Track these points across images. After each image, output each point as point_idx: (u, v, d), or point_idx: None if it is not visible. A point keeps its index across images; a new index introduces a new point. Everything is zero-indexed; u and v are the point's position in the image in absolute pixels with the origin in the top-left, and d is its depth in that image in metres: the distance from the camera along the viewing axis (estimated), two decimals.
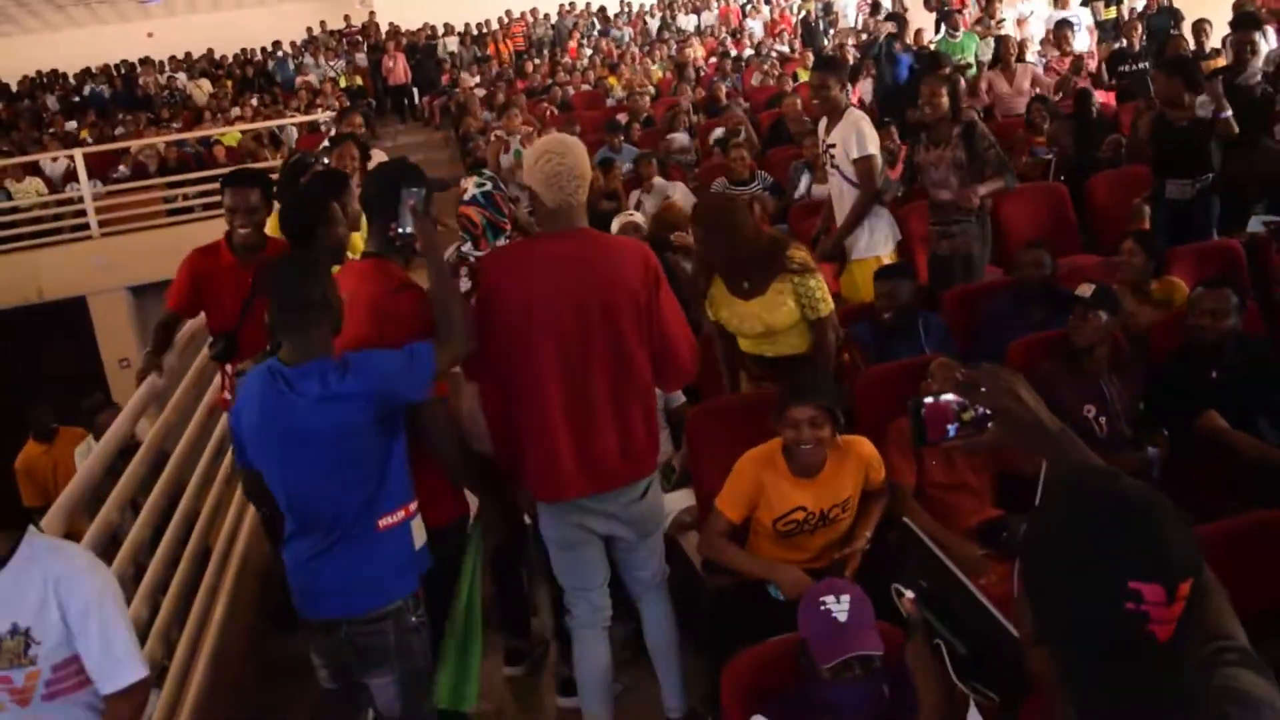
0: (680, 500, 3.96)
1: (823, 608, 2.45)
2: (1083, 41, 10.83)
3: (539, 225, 3.09)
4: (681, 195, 7.73)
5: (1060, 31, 10.23)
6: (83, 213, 11.36)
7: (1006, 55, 9.35)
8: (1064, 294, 4.06)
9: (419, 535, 2.76)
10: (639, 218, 5.83)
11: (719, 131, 9.46)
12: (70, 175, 12.21)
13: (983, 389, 1.59)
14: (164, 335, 4.30)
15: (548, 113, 11.02)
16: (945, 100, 5.16)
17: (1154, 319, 4.31)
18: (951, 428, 1.62)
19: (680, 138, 10.02)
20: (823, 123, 5.37)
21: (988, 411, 1.59)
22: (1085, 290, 3.76)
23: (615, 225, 5.49)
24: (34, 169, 12.52)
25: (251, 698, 4.00)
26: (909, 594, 1.67)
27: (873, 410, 3.82)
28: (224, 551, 4.45)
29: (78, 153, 11.61)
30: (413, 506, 2.74)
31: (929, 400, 1.64)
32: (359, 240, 3.86)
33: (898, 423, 3.63)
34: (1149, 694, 1.17)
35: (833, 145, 5.19)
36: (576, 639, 3.17)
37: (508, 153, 9.02)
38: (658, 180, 7.96)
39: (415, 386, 2.62)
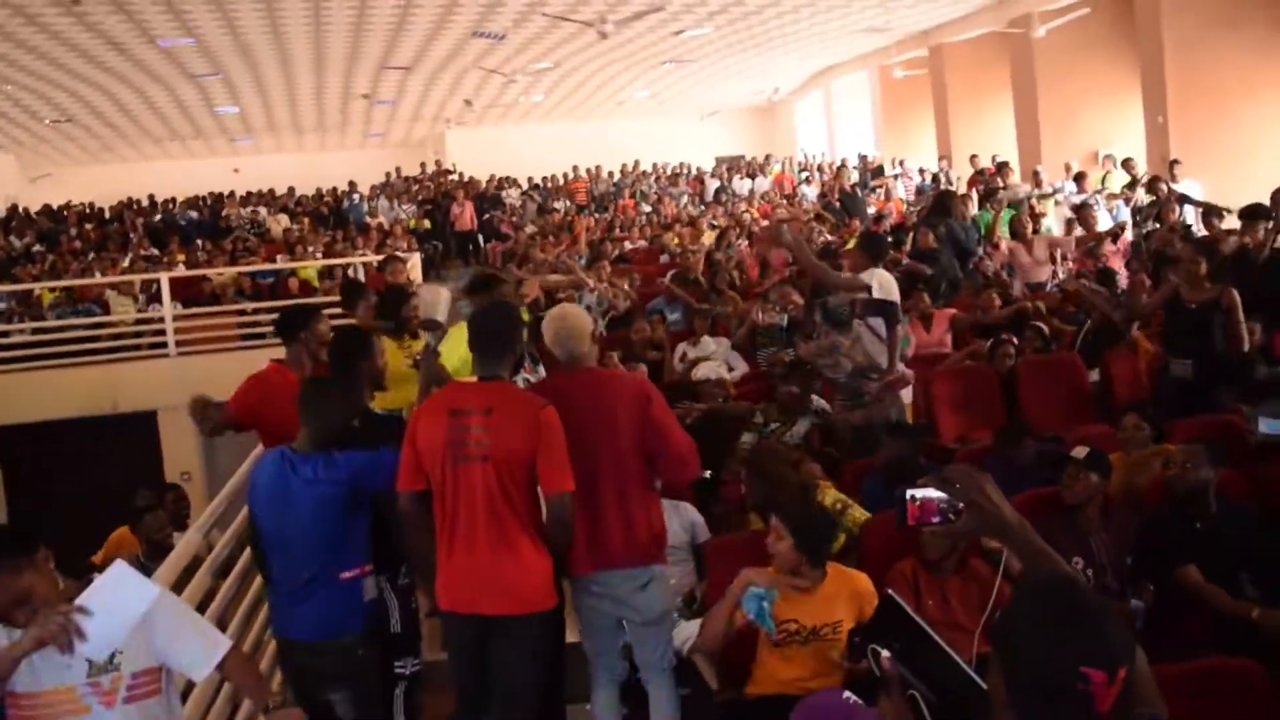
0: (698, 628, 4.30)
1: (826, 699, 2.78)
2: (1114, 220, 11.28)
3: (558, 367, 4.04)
4: (724, 351, 8.22)
5: (1082, 212, 10.72)
6: (162, 331, 12.06)
7: (1022, 227, 9.84)
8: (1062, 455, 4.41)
9: (370, 590, 3.63)
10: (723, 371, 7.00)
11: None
12: (153, 297, 12.99)
13: (957, 485, 1.96)
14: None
15: (605, 266, 11.65)
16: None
17: (1147, 485, 4.64)
18: (936, 519, 1.98)
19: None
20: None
21: (959, 505, 1.95)
22: (1079, 452, 4.14)
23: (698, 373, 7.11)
24: (128, 289, 13.35)
25: None
26: (885, 653, 1.95)
27: (877, 552, 4.19)
28: None
29: (164, 275, 12.40)
30: (368, 568, 3.60)
31: (917, 494, 2.00)
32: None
33: (898, 564, 3.98)
34: None
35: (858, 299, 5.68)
36: (593, 688, 3.87)
37: (591, 293, 9.58)
38: (705, 337, 8.43)
39: (380, 480, 3.53)
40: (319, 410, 3.58)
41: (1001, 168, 14.17)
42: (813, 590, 3.62)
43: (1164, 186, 11.25)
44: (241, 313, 12.90)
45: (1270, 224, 6.91)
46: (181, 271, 13.61)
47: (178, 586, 3.98)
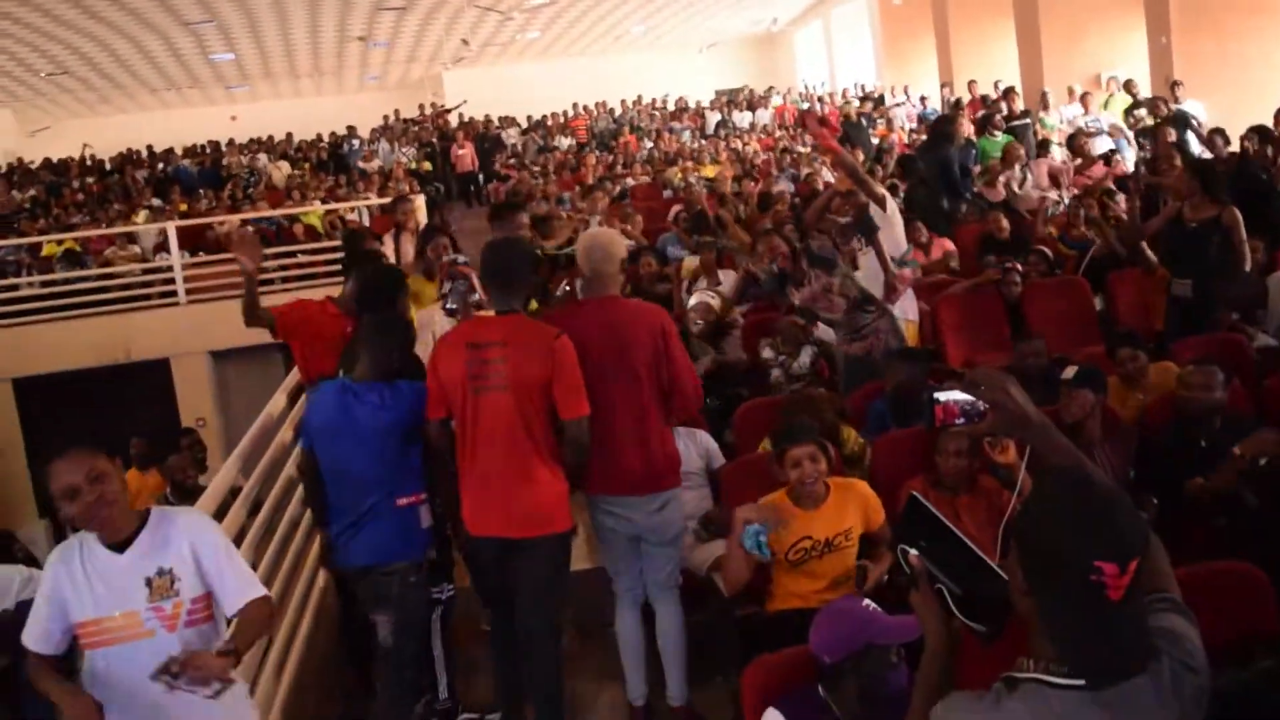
0: (718, 548, 4.44)
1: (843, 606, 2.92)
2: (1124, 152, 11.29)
3: (582, 294, 4.20)
4: (731, 284, 8.29)
5: (1077, 139, 10.70)
6: (171, 280, 12.15)
7: (1012, 152, 9.88)
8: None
9: (425, 518, 3.76)
10: (711, 299, 6.86)
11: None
12: (160, 246, 13.06)
13: (981, 387, 2.04)
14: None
15: (604, 200, 11.69)
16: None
17: (1148, 402, 4.75)
18: (960, 420, 2.09)
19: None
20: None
21: (984, 405, 2.04)
22: (1068, 373, 4.26)
23: (692, 300, 6.92)
24: (129, 239, 13.42)
25: None
26: (913, 551, 2.04)
27: (888, 472, 4.31)
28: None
29: (170, 225, 12.47)
30: (423, 496, 3.75)
31: (942, 396, 2.11)
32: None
33: (908, 482, 4.09)
34: (1105, 633, 1.64)
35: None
36: (617, 609, 4.06)
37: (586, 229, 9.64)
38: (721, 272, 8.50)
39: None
40: (382, 343, 3.77)
41: (1007, 93, 14.07)
42: (819, 505, 3.75)
43: (1163, 107, 11.22)
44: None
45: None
46: (187, 221, 13.64)
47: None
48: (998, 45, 16.99)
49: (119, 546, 2.78)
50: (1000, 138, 11.03)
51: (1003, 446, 4.07)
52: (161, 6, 15.49)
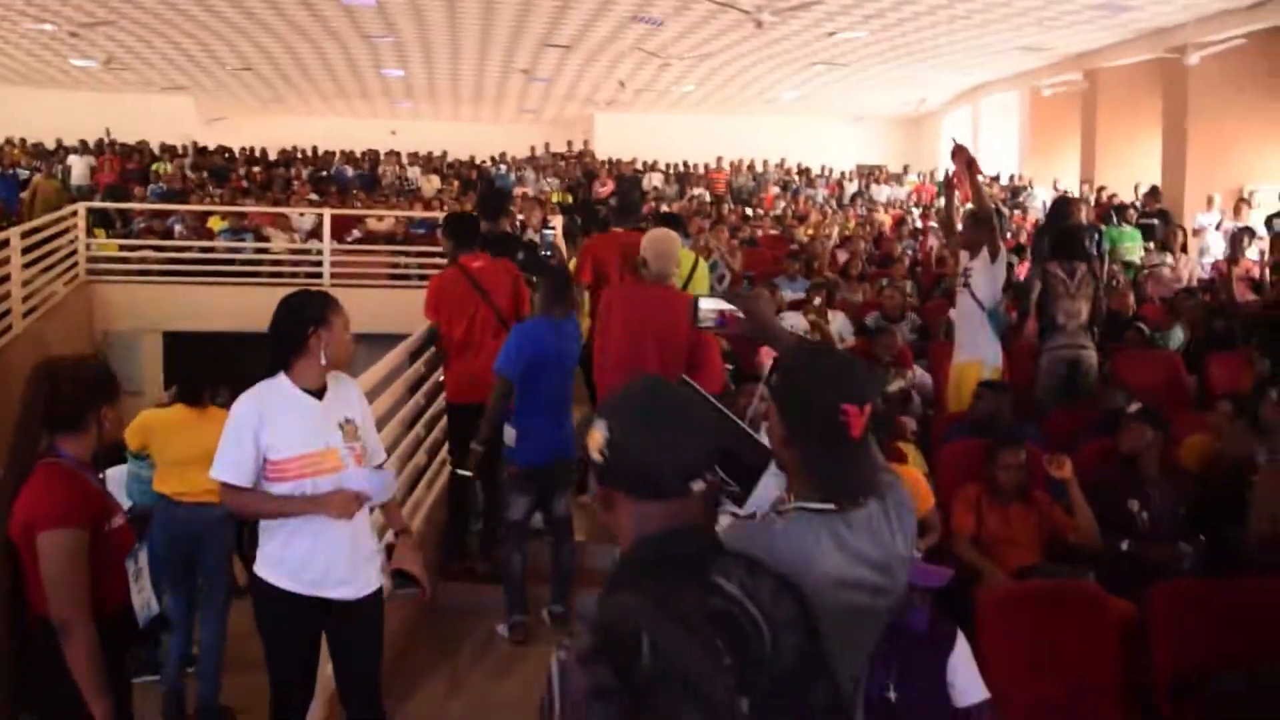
0: None
1: None
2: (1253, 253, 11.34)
3: (644, 278, 5.08)
4: (840, 324, 8.68)
5: (1239, 237, 10.78)
6: (319, 264, 13.03)
7: (1172, 240, 10.03)
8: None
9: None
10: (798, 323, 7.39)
11: (884, 281, 10.44)
12: (312, 233, 14.01)
13: (739, 297, 2.62)
14: None
15: (723, 233, 12.21)
16: None
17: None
18: (714, 321, 2.57)
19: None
20: (965, 254, 6.26)
21: (739, 312, 2.53)
22: (1133, 406, 4.53)
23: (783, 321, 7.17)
24: (285, 224, 14.41)
25: None
26: None
27: (951, 477, 4.65)
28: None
29: (326, 211, 13.40)
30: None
31: (703, 302, 2.59)
32: None
33: (965, 486, 4.42)
34: (849, 465, 2.01)
35: (971, 268, 6.07)
36: None
37: (707, 260, 10.16)
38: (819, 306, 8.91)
39: None
40: (568, 293, 5.36)
41: (1153, 191, 14.14)
42: None
43: None
44: (395, 254, 13.82)
45: None
46: (345, 211, 14.60)
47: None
48: (1143, 148, 17.05)
49: (316, 393, 3.33)
50: (1127, 230, 11.20)
51: (1059, 463, 4.37)
52: (348, 16, 16.60)
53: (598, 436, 1.66)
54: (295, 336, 3.32)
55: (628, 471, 1.66)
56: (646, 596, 1.52)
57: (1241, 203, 13.09)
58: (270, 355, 3.35)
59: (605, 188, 20.25)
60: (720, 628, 1.49)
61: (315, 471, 3.29)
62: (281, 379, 3.33)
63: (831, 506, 1.98)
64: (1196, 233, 13.05)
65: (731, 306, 2.55)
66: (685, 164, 22.88)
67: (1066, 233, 7.14)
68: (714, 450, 1.75)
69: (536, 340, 5.11)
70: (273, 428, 3.26)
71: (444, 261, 13.37)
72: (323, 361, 3.32)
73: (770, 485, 4.90)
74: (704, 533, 1.69)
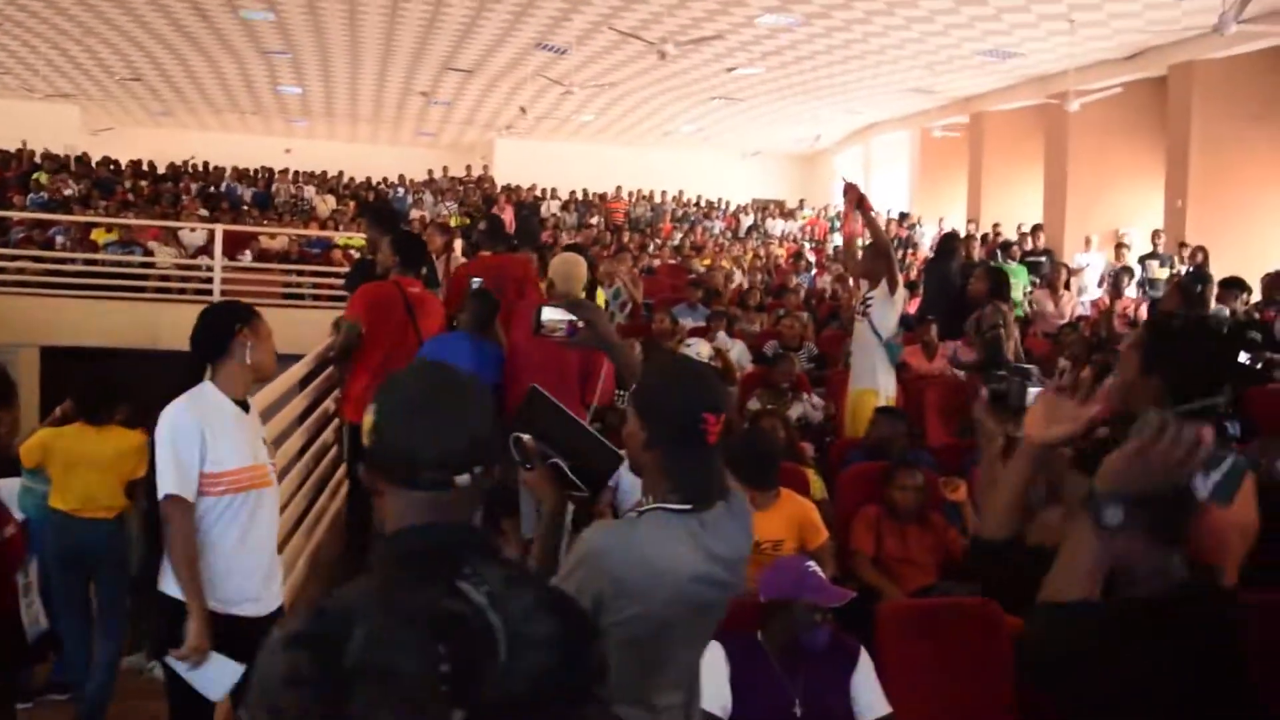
0: None
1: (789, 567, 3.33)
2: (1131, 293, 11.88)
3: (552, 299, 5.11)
4: (739, 352, 8.82)
5: (1119, 279, 11.24)
6: (209, 280, 12.71)
7: (1056, 279, 10.43)
8: None
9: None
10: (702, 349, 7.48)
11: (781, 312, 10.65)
12: (202, 250, 13.68)
13: (580, 308, 2.73)
14: None
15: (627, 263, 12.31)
16: None
17: None
18: (561, 331, 2.66)
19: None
20: (865, 284, 6.41)
21: (578, 323, 2.64)
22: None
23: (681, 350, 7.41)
24: (173, 238, 14.04)
25: None
26: (526, 436, 2.43)
27: (850, 499, 4.74)
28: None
29: (218, 227, 13.11)
30: None
31: (547, 311, 2.66)
32: None
33: (863, 508, 4.52)
34: (704, 469, 2.18)
35: (871, 299, 6.21)
36: None
37: (609, 289, 10.21)
38: (721, 334, 9.03)
39: None
40: (494, 316, 5.53)
41: (1034, 230, 14.73)
42: (765, 508, 4.16)
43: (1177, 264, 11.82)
44: (288, 274, 13.57)
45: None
46: (238, 227, 14.30)
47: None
48: (1025, 189, 17.72)
49: (243, 405, 3.22)
50: (1014, 266, 11.62)
51: (954, 486, 4.50)
52: (246, 31, 16.30)
53: (368, 419, 1.58)
54: (221, 336, 3.20)
55: (387, 457, 1.56)
56: (376, 588, 1.46)
57: (1121, 246, 13.70)
58: (192, 360, 3.21)
59: (503, 214, 20.22)
60: (445, 632, 1.39)
61: (250, 485, 3.17)
62: (207, 387, 3.17)
63: (689, 507, 2.13)
64: (1075, 272, 13.61)
65: (574, 317, 2.65)
66: (585, 192, 23.00)
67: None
68: (485, 445, 1.58)
69: (446, 347, 5.22)
70: (213, 439, 3.09)
71: (339, 283, 13.49)
72: (248, 361, 3.19)
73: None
74: (465, 531, 1.56)
